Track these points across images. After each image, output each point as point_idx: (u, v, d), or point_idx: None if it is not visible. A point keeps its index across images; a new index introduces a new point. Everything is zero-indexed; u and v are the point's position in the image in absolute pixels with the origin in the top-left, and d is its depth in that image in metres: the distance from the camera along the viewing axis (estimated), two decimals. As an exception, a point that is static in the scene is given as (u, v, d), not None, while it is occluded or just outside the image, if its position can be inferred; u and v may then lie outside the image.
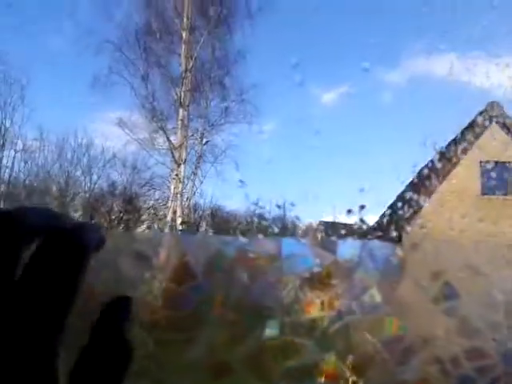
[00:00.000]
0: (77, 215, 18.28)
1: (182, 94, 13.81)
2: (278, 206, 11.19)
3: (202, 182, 15.00)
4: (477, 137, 10.27)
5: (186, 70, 13.81)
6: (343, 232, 12.11)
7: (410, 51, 20.36)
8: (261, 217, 20.77)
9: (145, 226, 19.74)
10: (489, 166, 9.97)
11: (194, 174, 14.78)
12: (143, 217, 19.42)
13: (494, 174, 9.94)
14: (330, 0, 20.37)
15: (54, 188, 17.94)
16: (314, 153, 20.66)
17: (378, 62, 19.00)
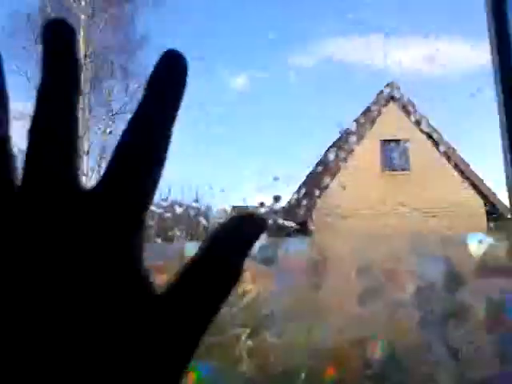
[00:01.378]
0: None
1: (82, 81, 13.12)
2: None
3: (107, 174, 14.44)
4: (376, 116, 10.87)
5: (85, 56, 13.12)
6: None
7: (316, 34, 20.94)
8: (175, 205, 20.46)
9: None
10: (388, 144, 10.62)
11: (99, 165, 14.17)
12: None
13: (393, 152, 10.62)
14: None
15: None
16: (223, 138, 20.71)
17: (285, 45, 19.34)
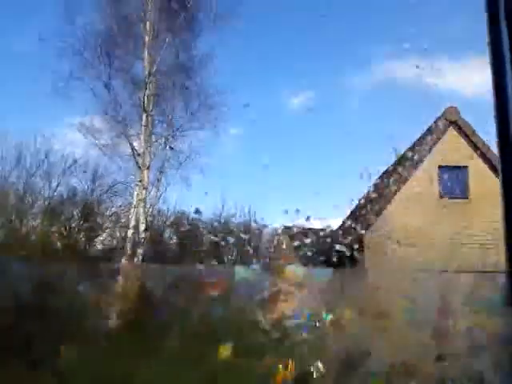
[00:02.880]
0: (35, 223, 17.75)
1: (146, 98, 13.66)
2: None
3: (166, 189, 14.81)
4: (435, 142, 10.62)
5: (149, 75, 13.68)
6: (308, 239, 12.24)
7: (377, 56, 20.89)
8: (227, 222, 20.73)
9: (106, 233, 19.34)
10: (447, 170, 10.32)
11: (158, 180, 14.59)
12: (105, 224, 19.01)
13: (451, 178, 10.29)
14: (294, 5, 20.63)
15: (12, 195, 17.35)
16: (279, 158, 20.88)
17: (345, 68, 19.43)
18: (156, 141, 14.45)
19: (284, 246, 21.59)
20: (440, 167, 10.48)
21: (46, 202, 18.10)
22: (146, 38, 13.76)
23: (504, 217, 0.73)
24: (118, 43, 13.81)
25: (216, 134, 14.51)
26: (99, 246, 19.04)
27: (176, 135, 14.52)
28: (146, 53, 13.77)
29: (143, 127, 13.80)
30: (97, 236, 18.91)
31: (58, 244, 17.84)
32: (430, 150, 10.56)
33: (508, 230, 0.71)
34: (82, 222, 18.27)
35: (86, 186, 18.50)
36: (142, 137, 13.84)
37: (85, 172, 17.88)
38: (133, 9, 13.91)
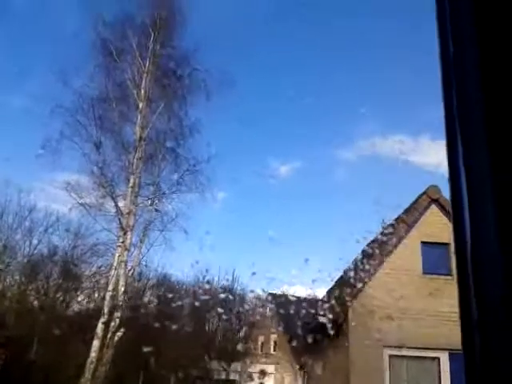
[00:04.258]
0: (13, 281, 17.28)
1: (135, 161, 13.81)
2: (253, 273, 10.89)
3: (148, 250, 14.65)
4: (417, 218, 10.75)
5: (140, 139, 13.91)
6: (292, 308, 12.04)
7: (362, 133, 21.66)
8: (210, 286, 20.36)
9: (84, 294, 18.83)
10: (429, 246, 10.39)
11: (141, 241, 14.48)
12: (84, 284, 18.55)
13: (434, 254, 10.34)
14: (289, 78, 21.51)
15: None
16: (265, 224, 20.96)
17: (331, 141, 20.05)
18: (142, 202, 14.49)
19: (268, 313, 21.18)
20: (423, 243, 10.57)
21: (26, 260, 17.71)
22: (140, 105, 14.12)
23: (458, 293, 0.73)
24: (111, 107, 14.12)
25: (203, 197, 14.62)
26: (76, 307, 18.49)
27: (162, 197, 14.59)
28: (139, 118, 14.08)
29: (130, 189, 13.85)
30: (75, 296, 18.40)
31: (35, 303, 17.30)
32: (413, 225, 10.69)
33: (462, 308, 0.71)
34: (60, 281, 17.82)
35: (67, 245, 18.21)
36: (128, 198, 13.86)
37: (67, 231, 17.66)
38: (129, 76, 14.35)
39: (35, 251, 17.88)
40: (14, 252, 17.64)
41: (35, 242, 17.92)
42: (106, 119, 14.17)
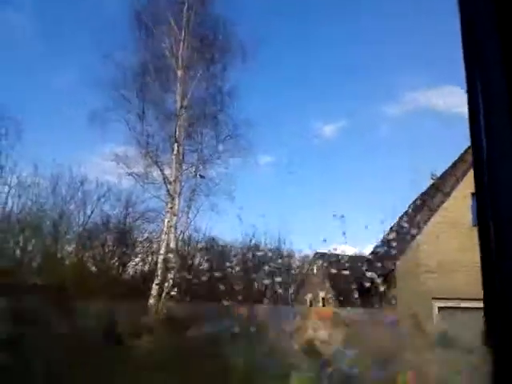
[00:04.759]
0: (70, 249, 18.22)
1: (177, 129, 14.05)
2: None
3: (195, 216, 15.06)
4: (467, 169, 10.54)
5: (181, 107, 14.10)
6: (340, 265, 12.20)
7: (409, 85, 20.94)
8: (256, 248, 20.80)
9: (138, 259, 19.68)
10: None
11: (188, 207, 14.86)
12: (137, 249, 19.36)
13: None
14: (327, 34, 20.95)
15: (48, 223, 17.89)
16: (310, 186, 21.02)
17: (377, 96, 19.56)
18: (186, 169, 14.80)
19: (315, 272, 21.50)
20: (473, 194, 10.35)
21: (81, 229, 18.60)
22: (179, 73, 14.25)
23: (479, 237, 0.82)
24: (151, 78, 14.34)
25: (246, 162, 14.78)
26: (132, 271, 19.39)
27: (206, 164, 14.84)
28: (179, 86, 14.24)
29: (174, 157, 14.15)
30: (129, 261, 19.26)
31: (93, 269, 18.24)
32: (463, 177, 10.49)
33: (484, 255, 0.80)
34: (115, 248, 18.66)
35: (120, 213, 18.95)
36: (173, 166, 14.19)
37: (118, 200, 18.34)
38: (166, 46, 14.46)
39: (89, 220, 18.72)
40: (70, 222, 18.52)
41: (89, 212, 18.74)
42: (148, 90, 14.41)
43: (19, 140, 16.47)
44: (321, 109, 20.12)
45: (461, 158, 10.71)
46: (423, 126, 18.98)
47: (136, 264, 19.76)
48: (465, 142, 11.06)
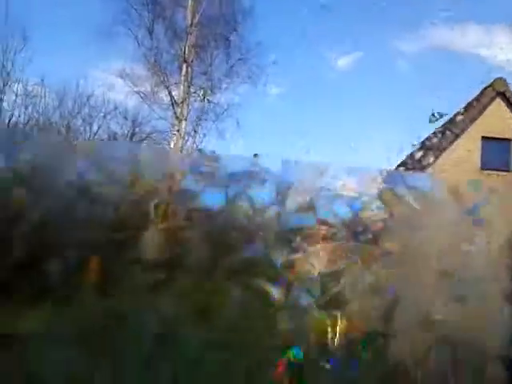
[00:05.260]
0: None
1: (187, 48, 13.56)
2: None
3: (202, 140, 14.93)
4: (481, 111, 10.21)
5: (191, 25, 13.50)
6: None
7: (428, 21, 19.85)
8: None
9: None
10: (490, 142, 9.94)
11: (195, 131, 14.70)
12: (143, 170, 19.43)
13: (494, 150, 9.93)
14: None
15: (54, 134, 17.83)
16: (320, 118, 20.61)
17: (395, 31, 18.67)
18: (195, 92, 14.45)
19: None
20: (483, 138, 10.12)
21: (87, 145, 18.54)
22: (191, -13, 13.52)
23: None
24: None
25: (255, 88, 14.39)
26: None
27: (214, 88, 14.46)
28: (190, 1, 13.55)
29: (183, 77, 13.78)
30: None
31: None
32: (475, 119, 10.18)
33: None
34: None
35: (126, 132, 18.80)
36: (181, 87, 13.85)
37: (125, 118, 18.11)
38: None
39: (96, 137, 18.60)
40: (77, 137, 18.42)
41: (95, 128, 18.60)
42: (158, 3, 13.77)
43: (25, 47, 15.93)
44: (335, 41, 19.23)
45: (476, 99, 10.35)
46: (439, 64, 18.24)
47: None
48: (479, 84, 10.65)
